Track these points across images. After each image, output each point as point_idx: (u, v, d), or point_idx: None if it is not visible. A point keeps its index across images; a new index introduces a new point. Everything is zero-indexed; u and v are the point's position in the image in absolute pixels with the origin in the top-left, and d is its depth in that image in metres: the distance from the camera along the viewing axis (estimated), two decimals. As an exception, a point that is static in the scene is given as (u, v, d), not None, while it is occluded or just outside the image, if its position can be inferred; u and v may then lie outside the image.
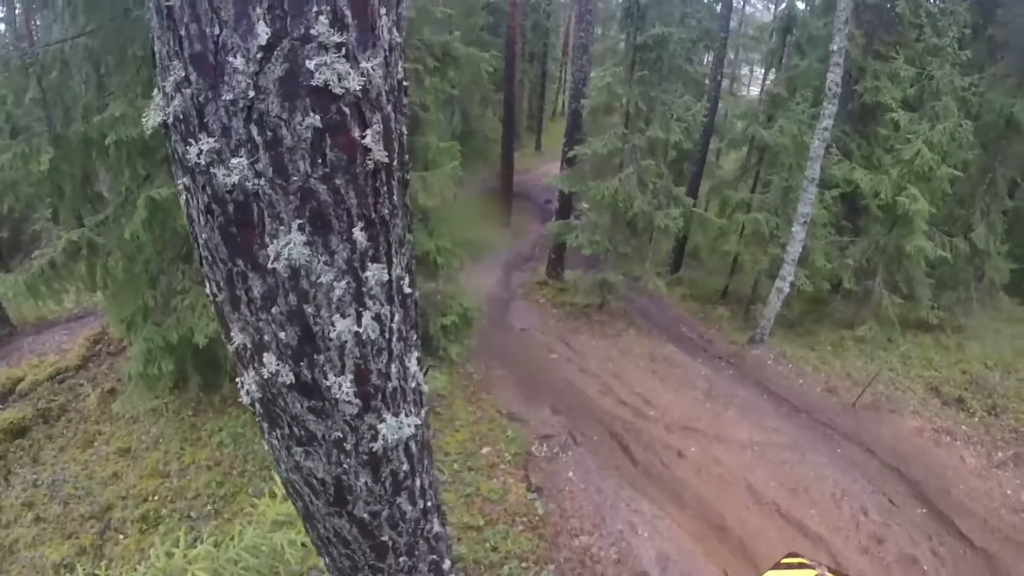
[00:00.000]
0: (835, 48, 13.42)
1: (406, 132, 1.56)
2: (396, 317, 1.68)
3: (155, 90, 1.41)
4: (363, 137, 1.38)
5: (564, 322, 16.78)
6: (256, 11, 1.24)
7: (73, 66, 9.16)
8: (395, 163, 1.50)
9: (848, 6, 13.17)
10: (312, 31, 1.26)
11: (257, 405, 1.78)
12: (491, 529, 9.55)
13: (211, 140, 1.34)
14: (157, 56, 1.36)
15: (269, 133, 1.31)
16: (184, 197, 1.50)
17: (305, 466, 1.88)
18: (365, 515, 2.05)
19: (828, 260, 15.99)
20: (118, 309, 10.29)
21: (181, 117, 1.36)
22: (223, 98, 1.30)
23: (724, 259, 18.80)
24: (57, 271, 9.30)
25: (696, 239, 20.06)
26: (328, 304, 1.51)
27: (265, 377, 1.65)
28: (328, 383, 1.63)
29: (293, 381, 1.63)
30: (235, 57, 1.27)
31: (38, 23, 19.40)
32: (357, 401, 1.70)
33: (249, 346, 1.62)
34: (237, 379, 1.78)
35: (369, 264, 1.52)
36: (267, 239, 1.41)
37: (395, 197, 1.54)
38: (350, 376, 1.64)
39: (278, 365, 1.60)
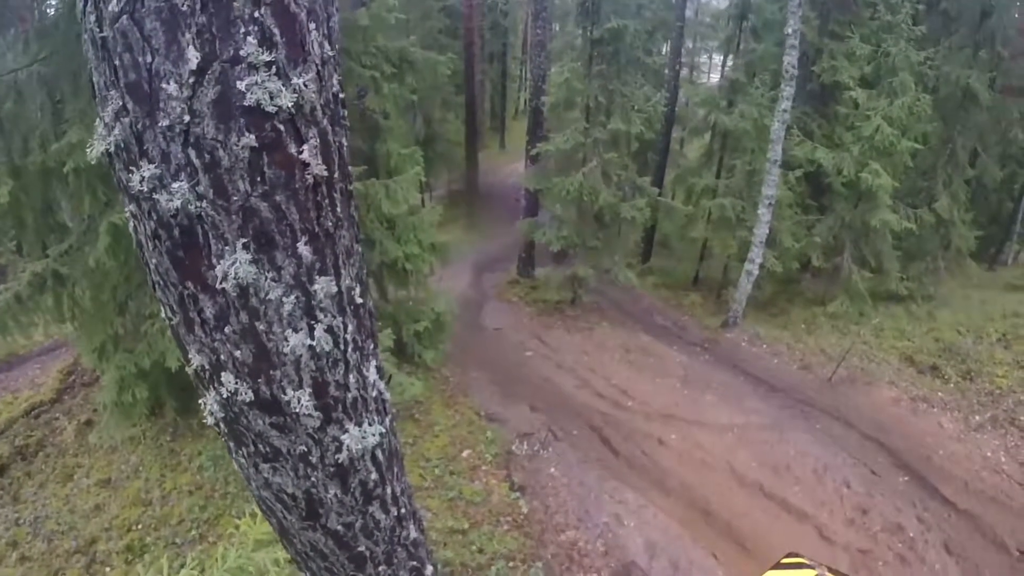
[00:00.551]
0: (790, 31, 13.57)
1: (346, 144, 1.58)
2: (350, 328, 1.70)
3: (97, 120, 1.42)
4: (300, 152, 1.39)
5: (538, 319, 16.79)
6: (185, 36, 1.25)
7: (27, 95, 9.01)
8: (336, 175, 1.51)
9: (801, -10, 13.33)
10: (241, 52, 1.27)
11: (221, 425, 1.79)
12: (476, 531, 9.52)
13: (152, 167, 1.35)
14: (96, 87, 1.37)
15: (207, 156, 1.33)
16: (132, 224, 1.51)
17: (274, 482, 1.89)
18: (339, 527, 2.06)
19: (796, 240, 16.16)
20: (88, 339, 10.14)
21: (122, 146, 1.38)
22: (160, 124, 1.31)
23: (693, 246, 18.98)
24: (23, 304, 9.12)
25: (664, 228, 20.23)
26: (279, 320, 1.53)
27: (225, 396, 1.66)
28: (287, 398, 1.64)
29: (253, 398, 1.64)
30: (168, 83, 1.28)
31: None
32: (318, 414, 1.71)
33: (207, 367, 1.63)
34: (200, 400, 1.78)
35: (317, 277, 1.54)
36: (214, 260, 1.43)
37: (339, 209, 1.55)
38: (308, 390, 1.66)
39: (236, 384, 1.61)
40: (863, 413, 12.72)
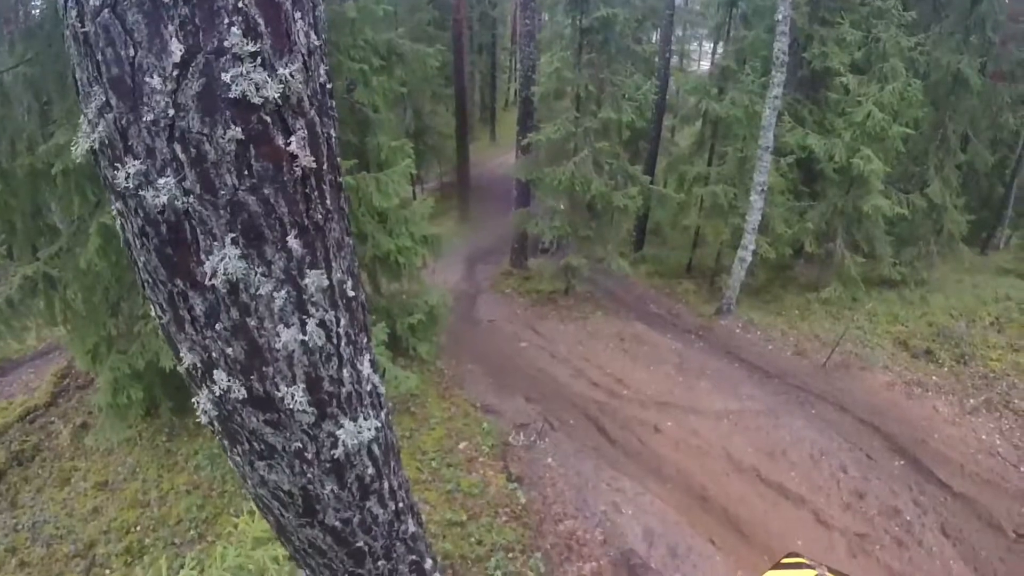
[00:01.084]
0: (780, 17, 13.53)
1: (335, 135, 1.55)
2: (342, 322, 1.68)
3: (81, 117, 1.39)
4: (288, 144, 1.37)
5: (532, 310, 16.78)
6: (168, 28, 1.23)
7: (14, 97, 8.94)
8: (325, 167, 1.49)
9: (790, -24, 13.30)
10: (226, 43, 1.25)
11: (215, 423, 1.77)
12: (474, 523, 9.54)
13: (137, 163, 1.33)
14: (79, 83, 1.35)
15: (193, 150, 1.30)
16: (119, 222, 1.48)
17: (270, 480, 1.87)
18: (337, 523, 2.05)
19: (788, 226, 16.18)
20: (81, 341, 10.08)
21: (107, 142, 1.35)
22: (144, 119, 1.29)
23: (686, 234, 18.98)
24: (15, 309, 9.07)
25: (657, 216, 20.17)
26: (271, 315, 1.51)
27: (218, 394, 1.64)
28: (280, 394, 1.62)
29: (246, 396, 1.62)
30: (152, 77, 1.26)
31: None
32: (312, 410, 1.69)
33: (199, 365, 1.61)
34: (193, 399, 1.76)
35: (307, 271, 1.52)
36: (203, 256, 1.40)
37: (328, 201, 1.53)
38: (302, 385, 1.64)
39: (229, 381, 1.59)
40: (858, 398, 12.78)
